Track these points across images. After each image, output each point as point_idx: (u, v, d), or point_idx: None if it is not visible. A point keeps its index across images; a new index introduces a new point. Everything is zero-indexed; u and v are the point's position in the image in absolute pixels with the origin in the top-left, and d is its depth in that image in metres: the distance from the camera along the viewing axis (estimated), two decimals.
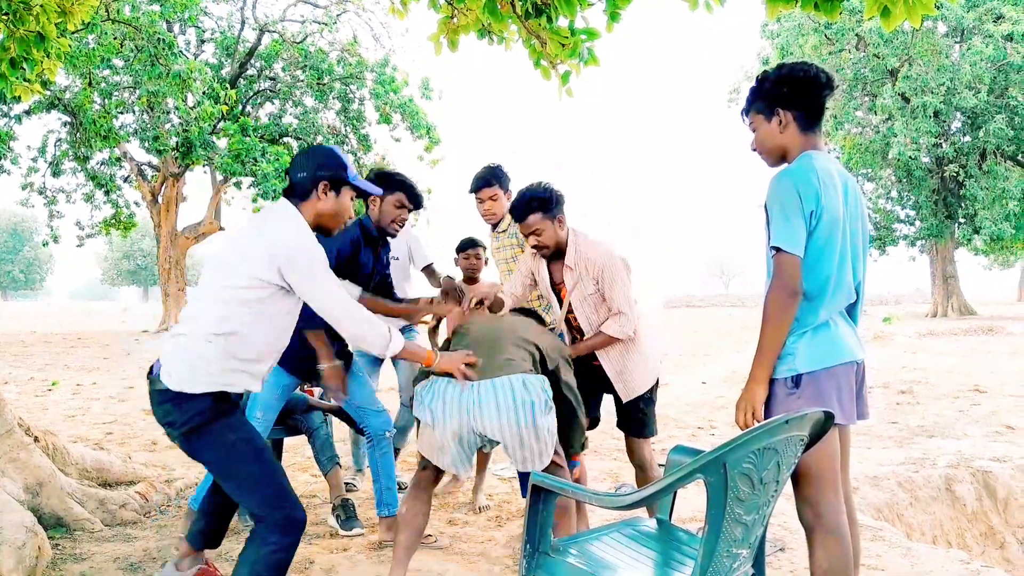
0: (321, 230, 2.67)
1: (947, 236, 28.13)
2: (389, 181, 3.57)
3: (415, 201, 3.64)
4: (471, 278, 4.98)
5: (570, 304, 3.48)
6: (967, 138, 27.02)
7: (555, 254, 3.49)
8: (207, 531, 2.93)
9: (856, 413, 2.45)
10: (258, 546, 2.41)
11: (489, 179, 4.11)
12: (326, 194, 2.63)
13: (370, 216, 3.64)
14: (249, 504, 2.47)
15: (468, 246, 4.92)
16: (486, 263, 5.03)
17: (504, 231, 4.16)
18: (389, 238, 3.71)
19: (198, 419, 2.43)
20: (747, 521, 1.99)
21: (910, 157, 24.63)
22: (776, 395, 2.35)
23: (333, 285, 2.53)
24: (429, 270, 4.89)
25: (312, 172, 2.63)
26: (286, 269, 2.43)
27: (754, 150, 2.59)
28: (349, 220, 2.89)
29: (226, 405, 2.51)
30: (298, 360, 3.47)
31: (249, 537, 2.46)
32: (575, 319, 3.52)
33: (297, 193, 2.64)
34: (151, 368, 2.56)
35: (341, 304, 2.53)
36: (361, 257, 3.58)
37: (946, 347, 15.64)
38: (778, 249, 2.30)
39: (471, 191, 4.17)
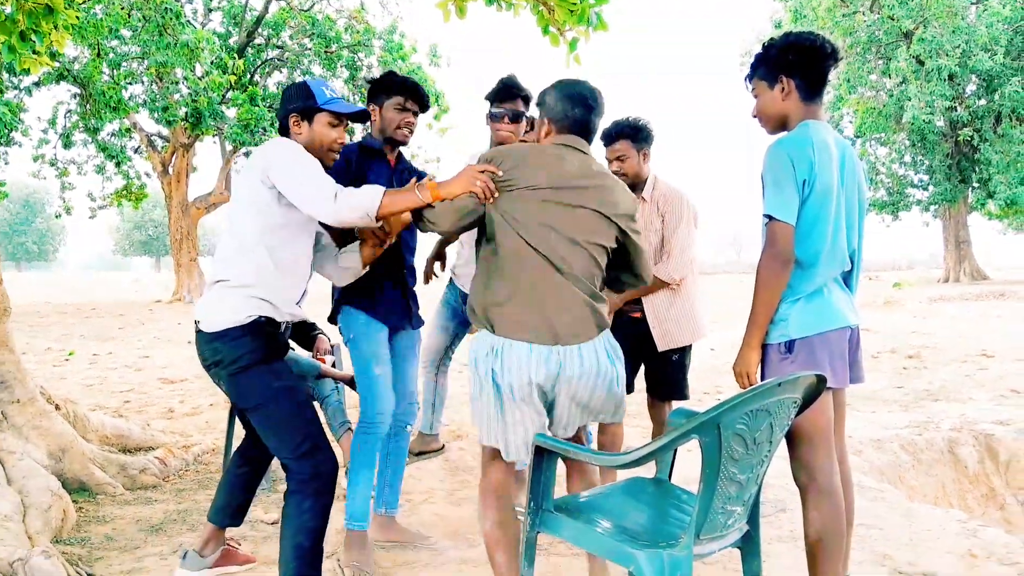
0: None
1: (960, 201, 27.89)
2: (383, 85, 3.17)
3: (418, 99, 3.17)
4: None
5: None
6: (982, 101, 26.65)
7: (631, 188, 3.42)
8: (231, 507, 2.96)
9: (850, 377, 2.51)
10: (295, 517, 2.49)
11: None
12: (298, 126, 2.68)
13: (372, 130, 3.22)
14: (281, 452, 2.54)
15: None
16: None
17: None
18: (400, 147, 3.24)
19: (248, 358, 2.50)
20: (741, 480, 2.06)
21: (924, 121, 24.34)
22: (770, 360, 2.41)
23: (308, 169, 2.50)
24: None
25: (283, 109, 2.71)
26: (268, 170, 2.52)
27: (755, 116, 2.63)
28: (338, 145, 2.73)
29: (274, 349, 2.58)
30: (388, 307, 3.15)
31: (284, 504, 2.53)
32: None
33: (281, 133, 2.74)
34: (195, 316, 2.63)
35: (312, 180, 2.48)
36: (368, 174, 3.10)
37: (956, 312, 15.61)
38: (771, 217, 2.36)
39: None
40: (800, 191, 2.35)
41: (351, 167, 3.10)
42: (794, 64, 2.49)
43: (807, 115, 2.50)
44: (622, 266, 2.59)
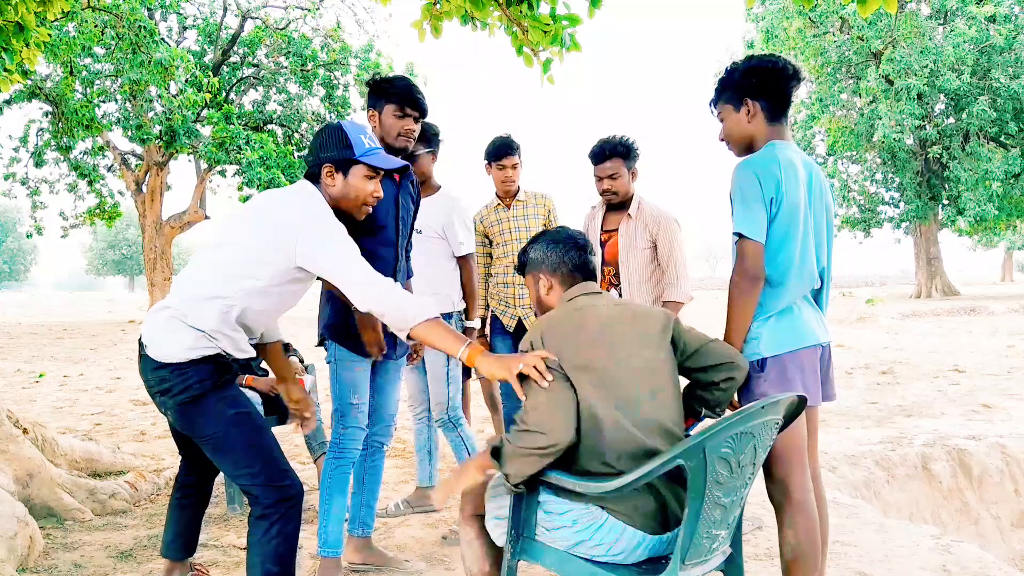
0: (342, 217, 2.49)
1: (931, 218, 28.39)
2: (379, 90, 3.06)
3: (415, 105, 3.04)
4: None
5: (604, 257, 3.72)
6: (950, 120, 27.21)
7: (617, 205, 3.73)
8: (183, 538, 2.83)
9: (822, 395, 2.52)
10: (261, 541, 2.37)
11: (512, 145, 4.09)
12: (332, 177, 2.49)
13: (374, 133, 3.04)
14: (243, 481, 2.40)
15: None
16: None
17: (522, 201, 4.19)
18: (403, 157, 3.08)
19: (197, 388, 2.33)
20: (725, 503, 2.06)
21: (894, 139, 24.79)
22: None
23: (350, 249, 2.36)
24: (462, 262, 3.91)
25: (315, 154, 2.51)
26: (300, 245, 2.33)
27: (722, 140, 2.65)
28: (373, 199, 2.54)
29: (227, 376, 2.42)
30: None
31: (250, 528, 2.41)
32: (610, 272, 3.74)
33: (309, 178, 2.55)
34: (141, 337, 2.46)
35: (354, 273, 2.34)
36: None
37: (928, 328, 15.83)
38: (740, 235, 2.38)
39: (495, 158, 4.09)
40: (768, 209, 2.37)
41: None
42: (757, 87, 2.51)
43: (772, 135, 2.53)
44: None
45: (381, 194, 2.58)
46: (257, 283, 2.37)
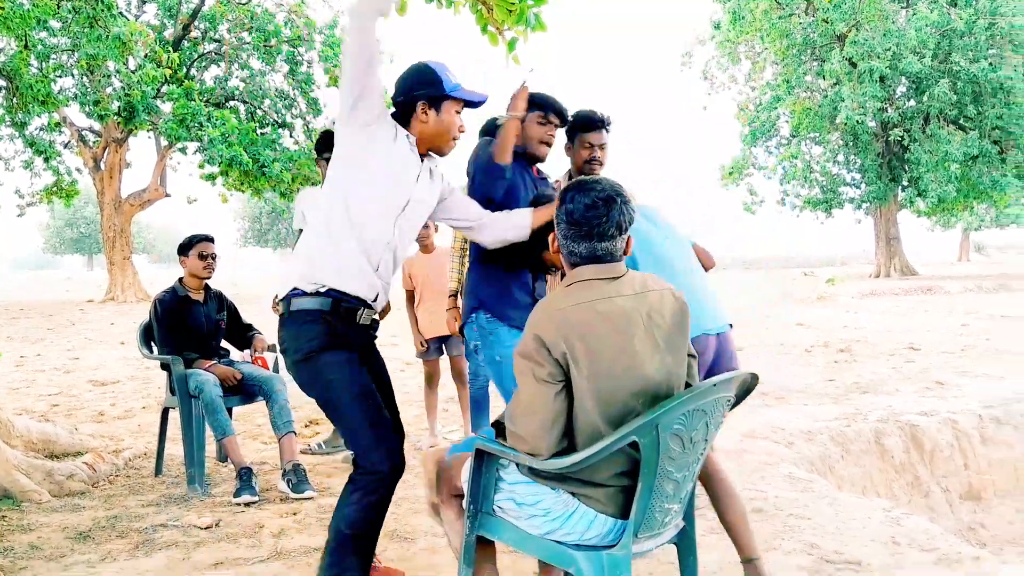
0: (432, 151, 2.63)
1: (891, 199, 28.86)
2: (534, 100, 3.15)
3: (559, 114, 3.24)
4: (424, 246, 5.07)
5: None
6: (912, 103, 27.62)
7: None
8: None
9: None
10: (341, 505, 2.47)
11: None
12: (426, 113, 2.55)
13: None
14: (349, 443, 2.53)
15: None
16: (436, 229, 5.07)
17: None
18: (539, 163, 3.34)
19: (307, 346, 2.42)
20: (678, 478, 2.10)
21: (857, 121, 25.10)
22: None
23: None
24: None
25: (407, 93, 2.56)
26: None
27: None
28: (460, 133, 2.63)
29: (337, 337, 2.45)
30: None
31: (343, 490, 2.50)
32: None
33: (399, 118, 2.58)
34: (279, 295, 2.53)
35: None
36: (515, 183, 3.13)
37: (886, 307, 16.15)
38: None
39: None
40: None
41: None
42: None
43: None
44: None
45: (465, 129, 2.65)
46: (353, 168, 2.50)
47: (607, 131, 3.44)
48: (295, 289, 2.46)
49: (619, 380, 2.01)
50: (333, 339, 2.45)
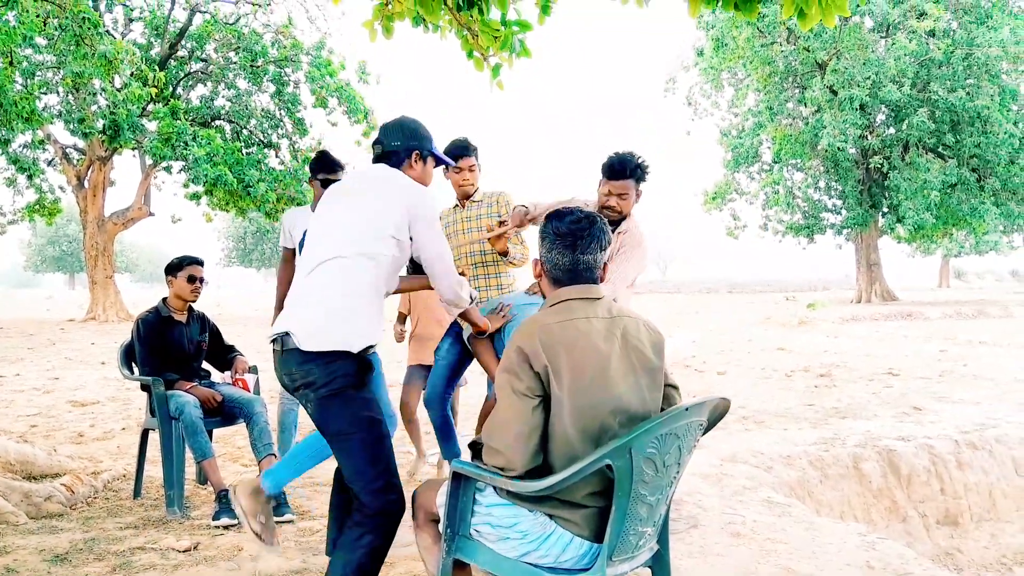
0: None
1: (871, 225, 29.22)
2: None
3: (443, 160, 3.55)
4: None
5: None
6: (891, 130, 28.08)
7: (610, 220, 3.56)
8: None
9: None
10: (350, 547, 2.44)
11: (469, 147, 4.12)
12: (416, 163, 2.88)
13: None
14: (357, 484, 2.49)
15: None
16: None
17: (477, 201, 4.17)
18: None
19: (341, 382, 2.48)
20: (651, 501, 2.13)
21: (838, 148, 25.47)
22: None
23: (443, 239, 2.79)
24: None
25: (406, 142, 2.87)
26: (414, 218, 2.68)
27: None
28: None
29: (366, 375, 2.58)
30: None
31: (344, 534, 2.48)
32: None
33: (391, 161, 2.86)
34: (278, 337, 2.55)
35: (447, 258, 2.80)
36: None
37: (866, 332, 16.30)
38: None
39: (450, 160, 4.03)
40: None
41: None
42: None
43: None
44: None
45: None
46: (398, 258, 2.72)
47: (634, 180, 3.50)
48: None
49: (596, 397, 2.07)
50: (362, 377, 2.56)
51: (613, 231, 3.63)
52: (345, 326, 2.51)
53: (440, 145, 4.27)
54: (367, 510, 2.46)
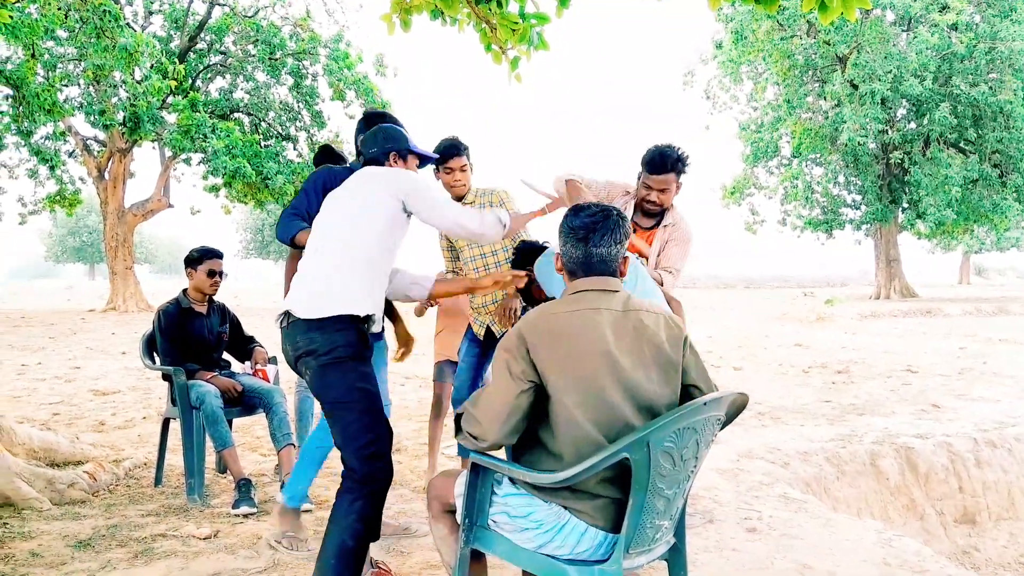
0: None
1: (891, 220, 28.96)
2: (374, 122, 3.48)
3: (428, 159, 3.56)
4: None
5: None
6: (912, 125, 27.79)
7: (651, 213, 3.64)
8: None
9: None
10: (343, 517, 2.55)
11: (459, 147, 3.98)
12: (395, 163, 3.05)
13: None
14: (348, 450, 2.60)
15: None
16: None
17: (471, 202, 4.06)
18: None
19: (342, 351, 2.60)
20: (668, 495, 2.13)
21: (858, 143, 25.24)
22: None
23: (444, 199, 2.95)
24: None
25: (381, 147, 3.06)
26: (406, 196, 2.79)
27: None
28: None
29: (366, 349, 2.69)
30: None
31: (336, 503, 2.59)
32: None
33: (371, 160, 3.06)
34: (285, 313, 2.71)
35: (457, 211, 2.94)
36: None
37: (885, 328, 16.18)
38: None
39: (441, 161, 3.97)
40: None
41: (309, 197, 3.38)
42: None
43: None
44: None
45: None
46: (396, 237, 2.85)
47: (675, 174, 3.48)
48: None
49: (604, 387, 2.08)
50: (363, 348, 2.68)
51: (656, 224, 3.67)
52: (344, 292, 2.66)
53: (431, 144, 4.30)
54: (356, 475, 2.58)
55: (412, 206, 2.82)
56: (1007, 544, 5.60)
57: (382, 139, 3.09)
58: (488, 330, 4.18)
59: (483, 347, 4.19)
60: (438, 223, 2.92)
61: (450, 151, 3.97)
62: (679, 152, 3.50)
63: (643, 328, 2.18)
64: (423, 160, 3.21)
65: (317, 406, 4.66)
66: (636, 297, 2.28)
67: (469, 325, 4.34)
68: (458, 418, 2.33)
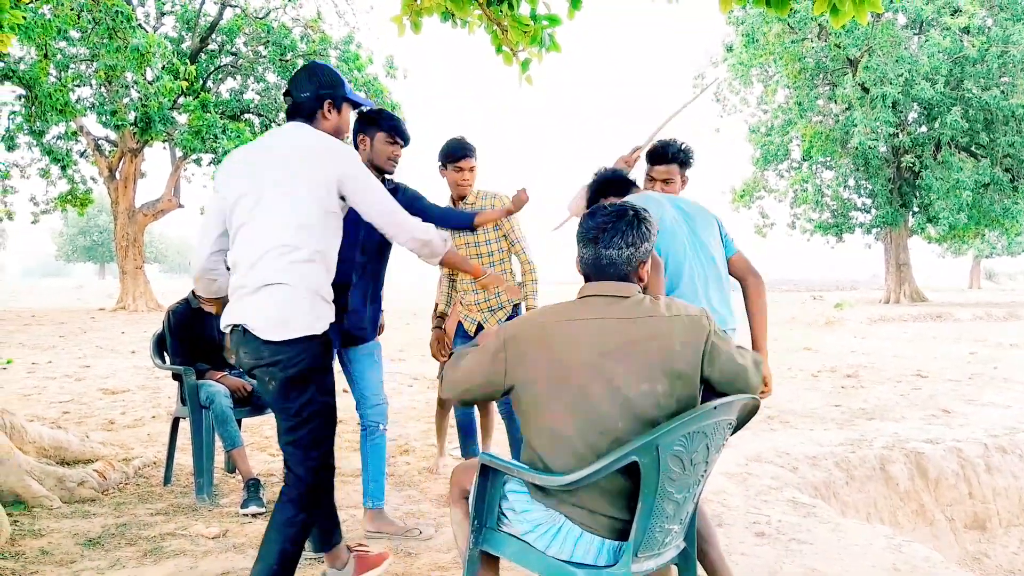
0: None
1: (901, 224, 28.82)
2: (372, 119, 3.49)
3: (404, 136, 3.52)
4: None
5: None
6: (923, 129, 27.65)
7: None
8: (322, 524, 2.87)
9: None
10: (286, 526, 2.54)
11: (470, 148, 4.10)
12: (330, 112, 2.71)
13: (360, 155, 3.47)
14: (297, 461, 2.57)
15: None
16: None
17: (471, 204, 4.17)
18: (387, 176, 3.54)
19: (308, 362, 2.51)
20: (678, 499, 2.13)
21: (869, 146, 25.13)
22: None
23: (382, 192, 2.63)
24: None
25: (315, 91, 2.68)
26: (342, 181, 2.55)
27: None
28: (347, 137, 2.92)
29: (329, 357, 2.62)
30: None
31: (278, 509, 2.56)
32: None
33: (303, 113, 2.69)
34: (236, 326, 2.54)
35: (396, 208, 2.65)
36: None
37: (895, 333, 16.10)
38: None
39: (452, 160, 4.07)
40: None
41: None
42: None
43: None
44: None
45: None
46: (333, 226, 2.60)
47: (678, 165, 3.45)
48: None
49: (597, 400, 2.05)
50: (327, 358, 2.61)
51: None
52: (302, 318, 2.49)
53: (435, 144, 4.31)
54: (301, 486, 2.56)
55: (349, 192, 2.57)
56: (1017, 551, 5.56)
57: (318, 82, 2.70)
58: (479, 327, 4.30)
59: None
60: (376, 217, 2.62)
61: (463, 151, 4.07)
62: (681, 144, 3.49)
63: (652, 336, 2.10)
64: (357, 107, 2.92)
65: None
66: (656, 301, 2.18)
67: (460, 323, 4.42)
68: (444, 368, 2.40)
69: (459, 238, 4.25)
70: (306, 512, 2.57)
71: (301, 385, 2.53)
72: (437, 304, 4.58)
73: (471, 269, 3.09)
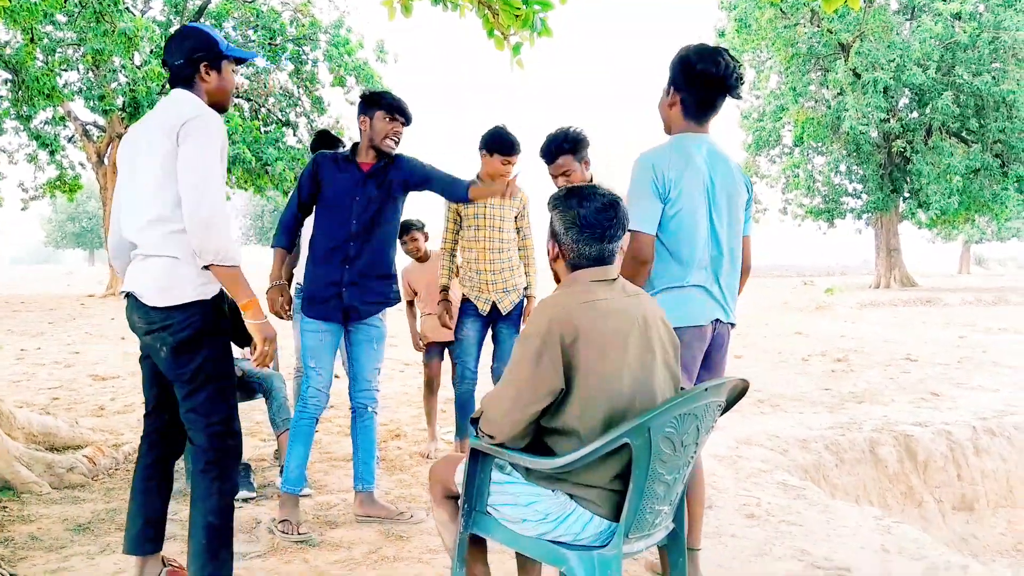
0: (216, 108, 2.64)
1: (892, 210, 28.89)
2: (372, 100, 3.48)
3: (405, 114, 3.49)
4: (418, 257, 5.16)
5: None
6: (914, 114, 27.65)
7: None
8: (153, 525, 2.73)
9: (698, 378, 2.70)
10: (207, 498, 2.51)
11: (518, 145, 4.05)
12: (208, 74, 2.62)
13: (362, 137, 3.50)
14: (198, 428, 2.55)
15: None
16: (426, 239, 5.16)
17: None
18: (386, 157, 3.50)
19: (198, 325, 2.49)
20: (668, 480, 2.13)
21: (860, 132, 25.14)
22: None
23: (214, 162, 2.46)
24: None
25: (187, 55, 2.59)
26: (183, 138, 2.42)
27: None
28: (235, 90, 2.88)
29: (222, 322, 2.59)
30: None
31: (194, 485, 2.55)
32: None
33: (181, 78, 2.62)
34: (129, 293, 2.58)
35: (209, 181, 2.42)
36: (335, 180, 3.47)
37: (884, 317, 16.18)
38: (632, 231, 2.55)
39: (502, 152, 3.99)
40: (661, 200, 2.58)
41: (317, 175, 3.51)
42: (683, 81, 2.65)
43: (686, 129, 2.69)
44: None
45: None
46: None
47: (571, 155, 3.50)
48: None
49: (620, 381, 2.06)
50: (220, 321, 2.60)
51: None
52: (189, 283, 2.48)
53: (448, 125, 4.31)
54: (208, 455, 2.54)
55: (182, 149, 2.42)
56: (1004, 531, 5.61)
57: (190, 46, 2.59)
58: (494, 306, 4.34)
59: (486, 323, 4.40)
60: (184, 173, 2.41)
61: (514, 147, 4.01)
62: (567, 133, 3.51)
63: (648, 316, 2.16)
64: (240, 61, 2.79)
65: None
66: (626, 281, 2.27)
67: (463, 304, 4.44)
68: (473, 421, 2.25)
69: (484, 208, 4.29)
70: (219, 480, 2.53)
71: (192, 349, 2.51)
72: (439, 279, 4.62)
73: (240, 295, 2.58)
